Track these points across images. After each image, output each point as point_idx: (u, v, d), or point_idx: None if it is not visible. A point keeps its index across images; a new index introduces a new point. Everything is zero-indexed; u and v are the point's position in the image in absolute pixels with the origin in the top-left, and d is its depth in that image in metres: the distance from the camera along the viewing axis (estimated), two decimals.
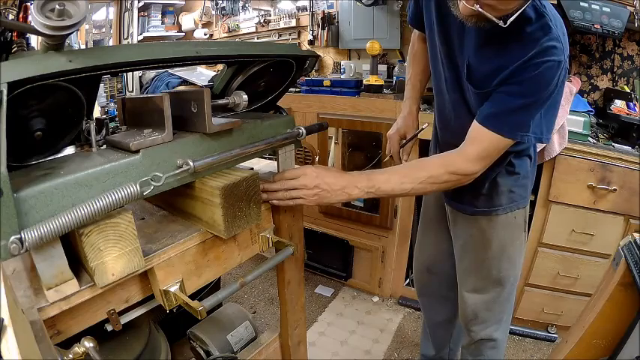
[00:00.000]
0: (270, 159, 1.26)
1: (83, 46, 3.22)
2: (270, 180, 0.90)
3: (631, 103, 1.82)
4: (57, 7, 0.53)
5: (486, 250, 1.17)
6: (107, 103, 3.08)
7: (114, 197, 0.59)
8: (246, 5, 3.27)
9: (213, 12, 3.47)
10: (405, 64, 1.29)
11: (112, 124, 0.92)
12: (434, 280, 1.44)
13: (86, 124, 0.75)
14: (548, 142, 1.02)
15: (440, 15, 0.99)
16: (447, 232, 1.33)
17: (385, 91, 2.15)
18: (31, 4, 0.56)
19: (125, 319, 0.77)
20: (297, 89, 2.38)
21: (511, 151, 1.03)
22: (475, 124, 0.91)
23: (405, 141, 1.31)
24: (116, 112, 2.24)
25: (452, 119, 1.11)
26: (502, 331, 1.26)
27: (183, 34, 3.75)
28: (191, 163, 0.71)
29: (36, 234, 0.52)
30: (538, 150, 1.38)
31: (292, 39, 3.00)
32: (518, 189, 1.12)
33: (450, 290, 1.39)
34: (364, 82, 2.18)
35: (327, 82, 2.27)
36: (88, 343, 0.63)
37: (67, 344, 0.64)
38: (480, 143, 0.90)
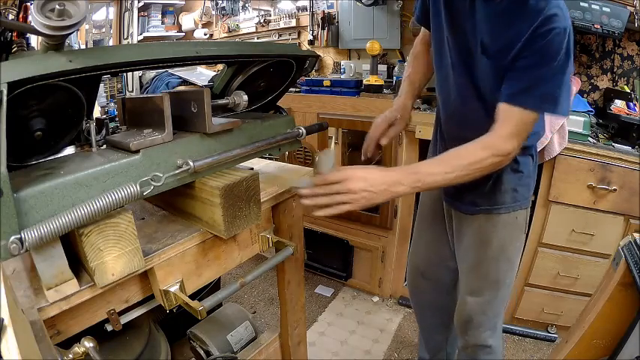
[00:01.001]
0: (270, 159, 1.26)
1: (83, 46, 3.22)
2: (306, 186, 0.84)
3: (631, 103, 1.82)
4: (57, 7, 0.53)
5: (485, 249, 1.15)
6: (107, 103, 3.08)
7: (114, 197, 0.59)
8: (246, 5, 3.27)
9: (213, 12, 3.47)
10: (405, 64, 1.24)
11: (112, 124, 0.92)
12: (427, 286, 1.41)
13: (86, 124, 0.75)
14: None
15: (448, 4, 1.00)
16: (443, 235, 1.30)
17: (385, 91, 2.14)
18: (31, 4, 0.56)
19: (125, 319, 0.77)
20: (297, 89, 2.38)
21: None
22: (501, 105, 0.90)
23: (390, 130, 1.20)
24: (116, 112, 2.24)
25: (458, 106, 1.08)
26: (496, 337, 1.25)
27: (183, 34, 3.74)
28: (191, 163, 0.71)
29: (36, 234, 0.52)
30: (538, 150, 1.38)
31: (292, 39, 3.00)
32: (521, 188, 1.11)
33: (444, 296, 1.37)
34: (364, 82, 2.18)
35: (327, 82, 2.27)
36: (88, 343, 0.63)
37: (67, 344, 0.64)
38: (510, 121, 0.88)
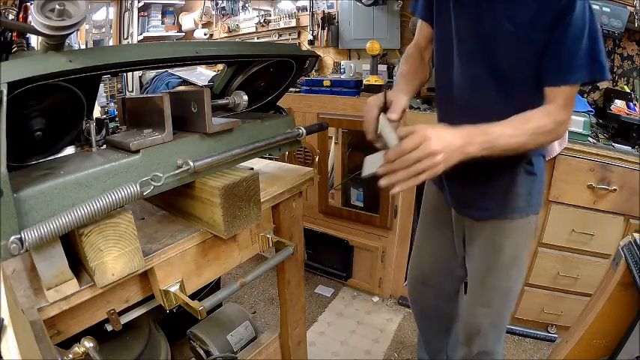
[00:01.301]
0: (270, 159, 1.26)
1: (83, 46, 3.22)
2: (378, 164, 0.75)
3: (631, 103, 1.82)
4: (57, 7, 0.53)
5: (498, 257, 1.09)
6: (107, 103, 3.08)
7: (114, 197, 0.59)
8: (246, 5, 3.27)
9: (213, 12, 3.47)
10: (399, 63, 1.16)
11: (112, 124, 0.92)
12: (429, 293, 1.35)
13: (86, 124, 0.75)
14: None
15: None
16: (448, 243, 1.23)
17: None
18: (31, 4, 0.56)
19: (125, 319, 0.77)
20: (297, 89, 2.38)
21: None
22: (547, 89, 0.87)
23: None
24: (116, 112, 2.24)
25: (470, 102, 0.99)
26: (500, 343, 1.22)
27: (183, 34, 3.74)
28: (191, 163, 0.71)
29: (36, 234, 0.52)
30: None
31: (292, 39, 2.99)
32: (535, 191, 1.06)
33: (446, 303, 1.33)
34: (364, 82, 2.18)
35: (327, 82, 2.27)
36: (88, 343, 0.63)
37: (67, 344, 0.64)
38: (561, 96, 0.86)
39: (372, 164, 0.79)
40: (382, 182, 0.74)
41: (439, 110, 1.15)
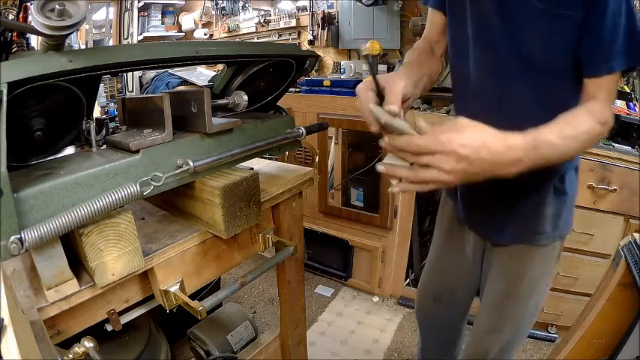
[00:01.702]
0: (270, 159, 1.26)
1: (83, 46, 3.22)
2: (390, 145, 0.63)
3: (631, 103, 1.82)
4: (57, 7, 0.53)
5: (516, 285, 0.97)
6: (107, 103, 3.08)
7: (114, 197, 0.59)
8: (246, 5, 3.27)
9: (213, 12, 3.47)
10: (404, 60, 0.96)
11: (112, 124, 0.92)
12: (439, 309, 1.22)
13: (86, 124, 0.75)
14: None
15: None
16: (464, 258, 1.11)
17: None
18: (31, 4, 0.56)
19: (125, 319, 0.77)
20: (297, 89, 2.38)
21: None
22: (590, 80, 0.74)
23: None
24: (116, 112, 2.24)
25: (495, 94, 0.83)
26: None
27: (183, 34, 3.74)
28: (191, 163, 0.71)
29: (36, 234, 0.52)
30: None
31: (292, 39, 2.99)
32: (565, 213, 0.92)
33: (457, 321, 1.23)
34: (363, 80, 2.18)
35: (327, 82, 2.27)
36: (88, 343, 0.63)
37: (67, 344, 0.64)
38: (603, 89, 0.73)
39: (381, 112, 0.64)
40: (379, 168, 0.64)
41: (457, 112, 1.02)
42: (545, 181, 0.87)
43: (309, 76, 2.38)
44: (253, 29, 3.21)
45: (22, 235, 0.52)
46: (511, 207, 0.89)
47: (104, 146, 0.77)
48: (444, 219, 1.15)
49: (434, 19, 0.99)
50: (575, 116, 0.70)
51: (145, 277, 0.76)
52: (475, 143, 0.58)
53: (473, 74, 0.86)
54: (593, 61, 0.73)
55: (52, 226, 0.54)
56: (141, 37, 3.52)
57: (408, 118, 0.68)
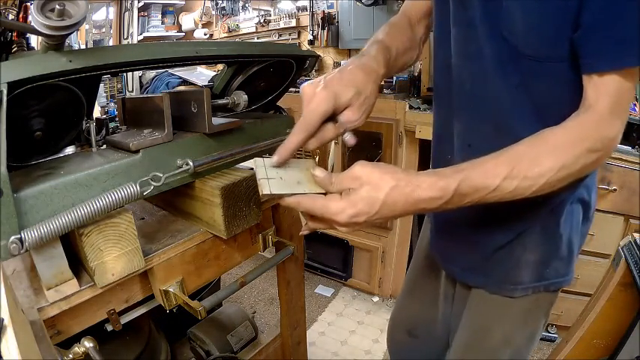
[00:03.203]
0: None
1: (83, 46, 3.22)
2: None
3: (631, 103, 1.82)
4: (57, 7, 0.53)
5: (483, 338, 0.81)
6: (107, 103, 3.08)
7: (114, 197, 0.59)
8: (246, 5, 3.27)
9: (213, 12, 3.47)
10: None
11: (112, 124, 0.92)
12: (415, 345, 1.04)
13: (86, 124, 0.75)
14: None
15: None
16: (439, 298, 0.95)
17: (385, 91, 2.14)
18: (31, 4, 0.56)
19: (125, 319, 0.77)
20: (297, 89, 2.38)
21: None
22: (589, 78, 0.54)
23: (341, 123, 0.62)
24: (116, 112, 2.24)
25: (471, 89, 0.67)
26: None
27: (183, 34, 3.74)
28: (191, 163, 0.71)
29: (36, 234, 0.52)
30: None
31: (292, 39, 3.00)
32: (556, 259, 0.72)
33: (435, 356, 1.03)
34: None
35: None
36: (88, 343, 0.63)
37: (67, 344, 0.64)
38: (611, 89, 0.53)
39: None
40: (280, 203, 0.57)
41: (435, 106, 0.82)
42: (524, 215, 0.67)
43: (309, 76, 2.39)
44: (253, 29, 3.21)
45: (22, 235, 0.52)
46: (482, 245, 0.72)
47: (104, 146, 0.77)
48: (422, 244, 0.99)
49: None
50: (544, 143, 0.53)
51: (145, 277, 0.76)
52: (371, 209, 0.52)
53: (454, 64, 0.69)
54: (593, 50, 0.52)
55: (52, 226, 0.54)
56: (141, 37, 3.52)
57: (308, 163, 0.59)
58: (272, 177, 0.56)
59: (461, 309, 0.85)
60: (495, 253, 0.72)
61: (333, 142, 2.34)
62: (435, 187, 0.52)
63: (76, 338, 0.64)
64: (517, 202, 0.55)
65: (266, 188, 0.55)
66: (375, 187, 0.52)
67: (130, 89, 3.28)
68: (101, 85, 2.06)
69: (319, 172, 0.56)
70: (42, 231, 0.53)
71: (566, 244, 0.71)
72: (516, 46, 0.59)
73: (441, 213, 0.73)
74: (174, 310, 0.79)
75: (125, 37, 3.47)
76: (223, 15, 3.41)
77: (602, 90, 0.54)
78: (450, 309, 0.92)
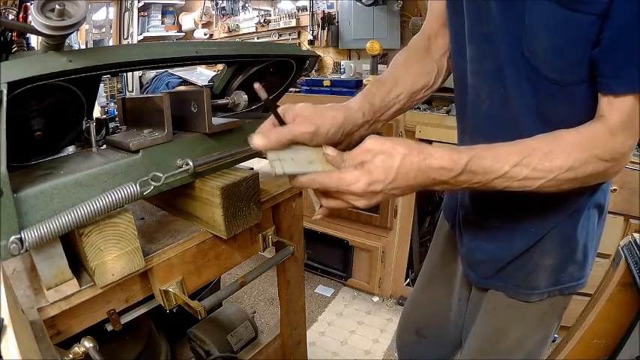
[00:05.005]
0: None
1: (83, 46, 3.22)
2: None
3: None
4: (57, 7, 0.53)
5: (497, 342, 0.82)
6: (107, 103, 3.08)
7: (114, 197, 0.59)
8: (246, 5, 3.27)
9: (213, 12, 3.47)
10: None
11: (112, 124, 0.92)
12: (424, 347, 1.05)
13: (86, 124, 0.75)
14: None
15: None
16: (455, 294, 0.96)
17: None
18: (31, 4, 0.56)
19: (125, 319, 0.77)
20: (297, 89, 2.38)
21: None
22: (605, 99, 0.55)
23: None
24: (116, 112, 2.24)
25: (487, 107, 0.67)
26: None
27: (183, 34, 3.75)
28: (191, 163, 0.71)
29: (36, 234, 0.52)
30: None
31: (292, 39, 3.00)
32: (571, 263, 0.73)
33: (446, 356, 1.05)
34: (364, 82, 2.18)
35: (327, 82, 2.27)
36: (88, 343, 0.63)
37: (67, 344, 0.64)
38: (621, 109, 0.54)
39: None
40: (293, 183, 0.56)
41: (457, 120, 0.81)
42: (545, 220, 0.69)
43: (309, 76, 2.39)
44: (253, 29, 3.21)
45: (22, 235, 0.52)
46: (503, 248, 0.73)
47: (104, 146, 0.77)
48: (438, 242, 0.99)
49: (433, 5, 0.81)
50: (557, 143, 0.54)
51: (145, 277, 0.76)
52: (387, 176, 0.52)
53: (469, 81, 0.69)
54: (611, 72, 0.53)
55: (52, 226, 0.54)
56: (141, 37, 3.52)
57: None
58: (283, 158, 0.55)
59: (476, 310, 0.86)
60: (515, 259, 0.73)
61: None
62: (446, 157, 0.53)
63: (76, 338, 0.64)
64: (538, 206, 0.56)
65: (279, 168, 0.54)
66: (389, 156, 0.52)
67: (130, 89, 3.28)
68: (101, 85, 2.07)
69: (330, 151, 0.56)
70: (42, 231, 0.53)
71: (582, 248, 0.72)
72: (537, 67, 0.58)
73: (467, 217, 0.75)
74: (174, 310, 0.79)
75: (125, 37, 3.47)
76: (223, 15, 3.41)
77: (615, 105, 0.54)
78: (465, 309, 0.93)
